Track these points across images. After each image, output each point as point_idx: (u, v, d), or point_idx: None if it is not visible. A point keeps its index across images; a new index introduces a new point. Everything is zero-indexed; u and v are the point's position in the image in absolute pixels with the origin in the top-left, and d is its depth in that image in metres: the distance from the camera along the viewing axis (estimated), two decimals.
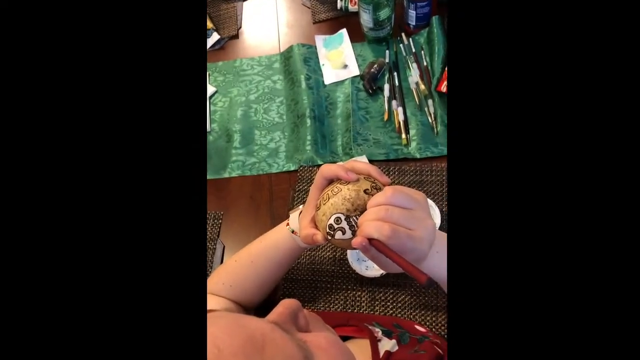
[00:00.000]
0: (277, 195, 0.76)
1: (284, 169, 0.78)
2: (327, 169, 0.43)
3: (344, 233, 0.40)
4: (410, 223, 0.37)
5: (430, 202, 0.67)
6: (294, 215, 0.52)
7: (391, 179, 0.73)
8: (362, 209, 0.40)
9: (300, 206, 0.51)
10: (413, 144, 0.75)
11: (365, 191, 0.41)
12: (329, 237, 0.41)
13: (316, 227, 0.44)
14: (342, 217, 0.40)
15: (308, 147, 0.77)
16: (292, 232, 0.52)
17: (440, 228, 0.66)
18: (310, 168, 0.76)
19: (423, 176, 0.72)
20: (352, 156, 0.75)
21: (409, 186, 0.72)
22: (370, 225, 0.36)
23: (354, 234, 0.40)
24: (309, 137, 0.78)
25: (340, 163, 0.73)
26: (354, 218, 0.40)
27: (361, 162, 0.44)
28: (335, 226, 0.40)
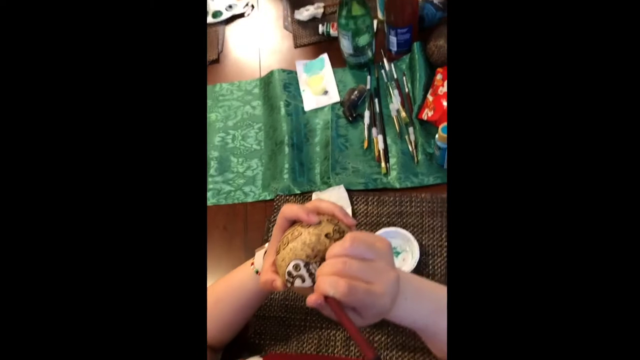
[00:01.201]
0: (252, 225, 0.73)
1: (260, 198, 0.76)
2: (288, 210, 0.41)
3: (303, 281, 0.38)
4: (370, 276, 0.34)
5: (408, 235, 0.64)
6: (259, 254, 0.49)
7: (370, 210, 0.71)
8: (323, 255, 0.38)
9: (267, 244, 0.49)
10: (393, 173, 0.73)
11: (326, 235, 0.38)
12: (288, 285, 0.39)
13: (277, 271, 0.41)
14: (301, 264, 0.37)
15: (285, 176, 0.75)
16: (257, 272, 0.49)
17: (419, 262, 0.63)
18: (287, 197, 0.74)
19: (402, 207, 0.70)
20: (330, 185, 0.73)
21: (388, 217, 0.70)
22: (326, 281, 0.34)
23: (314, 281, 0.38)
24: (286, 165, 0.76)
25: (316, 197, 0.71)
26: (314, 265, 0.38)
27: (326, 201, 0.42)
28: (294, 273, 0.38)
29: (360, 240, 0.35)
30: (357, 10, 0.73)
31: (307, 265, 0.37)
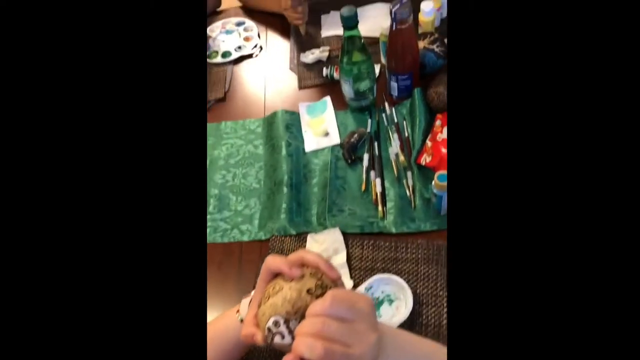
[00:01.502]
0: (246, 265, 0.73)
1: (256, 238, 0.76)
2: (272, 262, 0.41)
3: (282, 338, 0.37)
4: (348, 338, 0.34)
5: (402, 283, 0.64)
6: (244, 302, 0.49)
7: (365, 254, 0.70)
8: (304, 312, 0.37)
9: (253, 292, 0.48)
10: (390, 218, 0.73)
11: (308, 291, 0.38)
12: (268, 340, 0.38)
13: (259, 324, 0.41)
14: (281, 321, 0.37)
15: (282, 215, 0.75)
16: (242, 320, 0.48)
17: (413, 311, 0.62)
18: (282, 238, 0.74)
19: (398, 253, 0.69)
20: (326, 227, 0.73)
21: (384, 263, 0.69)
22: (303, 342, 0.33)
23: (293, 338, 0.37)
24: (284, 205, 0.76)
25: (312, 239, 0.70)
26: (294, 322, 0.37)
27: (311, 252, 0.42)
28: (274, 330, 0.37)
29: (340, 299, 0.35)
30: (358, 56, 0.76)
31: (287, 322, 0.37)
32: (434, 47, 0.84)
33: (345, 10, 0.68)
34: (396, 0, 0.70)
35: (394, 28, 0.72)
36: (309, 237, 0.73)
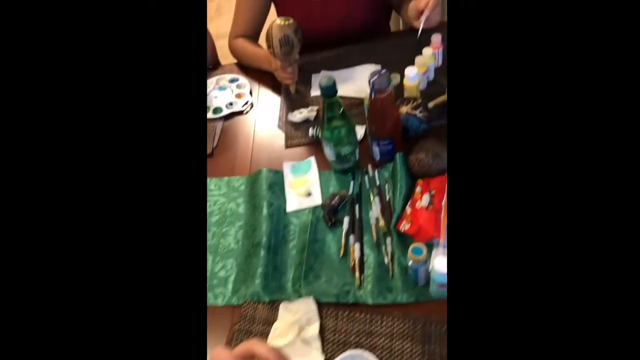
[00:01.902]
0: (216, 332, 0.71)
1: (230, 303, 0.74)
2: (217, 356, 0.39)
3: None
4: None
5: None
6: None
7: (339, 326, 0.68)
8: None
9: None
10: (367, 287, 0.71)
11: None
12: None
13: None
14: None
15: (257, 280, 0.73)
16: None
17: None
18: (255, 305, 0.72)
19: (373, 326, 0.67)
20: (301, 295, 0.71)
21: (357, 336, 0.66)
22: None
23: None
24: (259, 270, 0.74)
25: (284, 308, 0.68)
26: None
27: (262, 345, 0.40)
28: None
29: None
30: (338, 123, 0.76)
31: None
32: (417, 112, 0.85)
33: (324, 81, 0.70)
34: (375, 70, 0.71)
35: (372, 97, 0.73)
36: (282, 306, 0.70)
